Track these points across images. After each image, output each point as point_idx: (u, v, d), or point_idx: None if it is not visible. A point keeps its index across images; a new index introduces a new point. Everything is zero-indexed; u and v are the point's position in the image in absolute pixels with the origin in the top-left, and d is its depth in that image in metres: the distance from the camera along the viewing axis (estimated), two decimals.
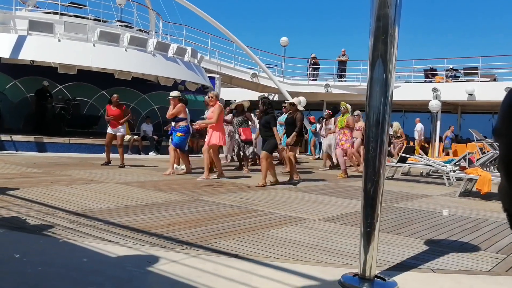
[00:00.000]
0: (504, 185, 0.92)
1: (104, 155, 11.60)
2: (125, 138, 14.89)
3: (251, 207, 6.47)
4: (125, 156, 11.80)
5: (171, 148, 10.39)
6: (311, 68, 25.19)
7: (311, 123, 19.41)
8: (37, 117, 16.04)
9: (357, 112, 13.69)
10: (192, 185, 8.44)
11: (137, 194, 7.12)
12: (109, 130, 11.17)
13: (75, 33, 15.07)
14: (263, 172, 8.97)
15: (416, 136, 20.57)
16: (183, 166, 10.52)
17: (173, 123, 10.43)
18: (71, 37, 14.99)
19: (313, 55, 25.68)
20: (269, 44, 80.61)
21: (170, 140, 10.76)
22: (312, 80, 25.05)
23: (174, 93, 10.49)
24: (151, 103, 19.27)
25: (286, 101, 10.87)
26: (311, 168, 13.68)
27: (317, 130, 17.94)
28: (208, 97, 10.15)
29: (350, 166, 13.17)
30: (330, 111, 14.23)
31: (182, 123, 10.20)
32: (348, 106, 12.14)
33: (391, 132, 17.23)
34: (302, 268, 3.71)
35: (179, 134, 10.17)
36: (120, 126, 11.08)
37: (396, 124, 17.64)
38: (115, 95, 11.34)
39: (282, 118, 12.62)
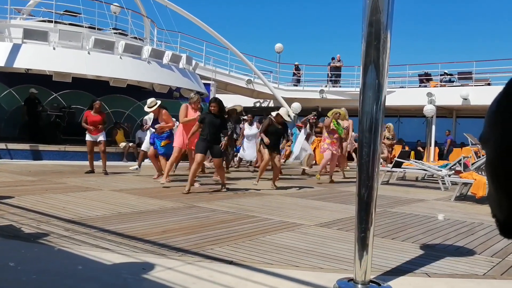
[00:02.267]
0: (491, 191, 0.93)
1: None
2: (120, 145, 14.94)
3: (246, 213, 6.47)
4: (121, 163, 11.78)
5: (151, 155, 10.16)
6: (332, 75, 25.08)
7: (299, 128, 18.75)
8: (30, 125, 16.00)
9: (342, 110, 13.02)
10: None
11: (132, 201, 7.11)
12: (89, 137, 10.78)
13: (70, 41, 15.08)
14: (191, 178, 8.47)
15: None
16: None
17: (152, 129, 10.05)
18: (65, 45, 14.99)
19: (296, 63, 26.11)
20: (264, 50, 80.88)
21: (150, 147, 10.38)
22: (333, 86, 24.94)
23: (152, 102, 9.93)
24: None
25: (272, 114, 9.89)
26: (292, 174, 13.69)
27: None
28: (195, 101, 9.48)
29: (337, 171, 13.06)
30: (314, 117, 13.77)
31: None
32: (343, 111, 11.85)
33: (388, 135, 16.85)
34: (297, 274, 3.71)
35: (164, 142, 9.82)
36: (100, 133, 10.85)
37: (391, 126, 17.18)
38: (98, 102, 11.06)
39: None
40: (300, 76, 26.06)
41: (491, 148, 0.88)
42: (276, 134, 9.65)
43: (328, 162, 11.39)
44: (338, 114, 11.38)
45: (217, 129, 8.57)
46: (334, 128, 11.12)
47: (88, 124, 10.75)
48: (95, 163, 10.95)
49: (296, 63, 26.30)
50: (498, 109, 0.89)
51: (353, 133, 13.63)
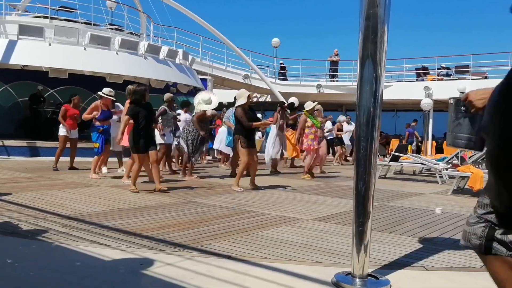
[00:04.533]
0: (491, 181, 0.93)
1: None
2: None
3: (244, 208, 6.47)
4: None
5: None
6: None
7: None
8: (29, 121, 16.00)
9: (318, 107, 11.73)
10: (184, 187, 8.41)
11: (130, 197, 7.10)
12: (65, 132, 10.49)
13: (66, 37, 15.04)
14: (157, 176, 7.82)
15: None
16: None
17: (97, 123, 9.49)
18: (61, 41, 14.95)
19: (281, 62, 26.41)
20: (261, 45, 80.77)
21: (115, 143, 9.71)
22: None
23: (108, 90, 9.75)
24: None
25: (239, 100, 8.71)
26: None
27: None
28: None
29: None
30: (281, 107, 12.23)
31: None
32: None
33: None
34: (295, 268, 3.72)
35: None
36: (75, 129, 10.73)
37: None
38: (77, 97, 10.91)
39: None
40: (285, 74, 26.29)
41: (492, 138, 0.87)
42: (252, 122, 8.54)
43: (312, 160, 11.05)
44: (317, 110, 11.12)
45: (152, 120, 8.08)
46: (313, 122, 10.90)
47: (68, 118, 10.55)
48: (75, 159, 10.88)
49: (281, 61, 26.56)
50: (499, 98, 0.88)
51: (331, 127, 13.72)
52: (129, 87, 8.60)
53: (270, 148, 11.53)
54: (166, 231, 4.86)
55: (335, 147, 16.42)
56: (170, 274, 3.45)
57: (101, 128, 9.37)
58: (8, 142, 13.46)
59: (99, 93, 9.72)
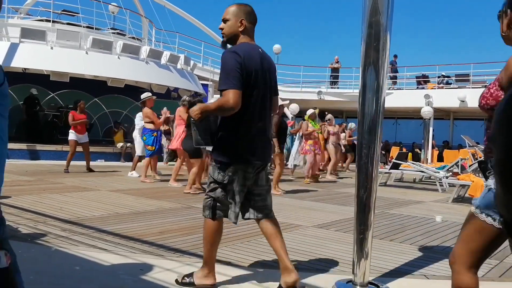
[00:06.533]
0: (498, 191, 0.92)
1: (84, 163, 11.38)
2: (118, 145, 14.92)
3: None
4: (119, 163, 11.70)
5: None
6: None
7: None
8: (28, 124, 15.98)
9: (329, 116, 13.29)
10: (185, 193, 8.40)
11: (130, 201, 7.09)
12: (74, 137, 10.94)
13: (68, 41, 15.06)
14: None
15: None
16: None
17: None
18: (63, 45, 14.97)
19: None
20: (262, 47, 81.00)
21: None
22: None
23: (146, 94, 10.23)
24: None
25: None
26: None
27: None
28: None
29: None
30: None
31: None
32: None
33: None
34: None
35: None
36: (85, 133, 11.14)
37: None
38: (82, 102, 11.48)
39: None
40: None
41: (499, 148, 0.87)
42: (286, 129, 9.63)
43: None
44: (329, 119, 11.77)
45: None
46: (313, 127, 11.17)
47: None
48: (75, 162, 11.11)
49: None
50: (506, 108, 0.88)
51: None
52: (187, 98, 9.25)
53: (295, 156, 12.59)
54: (166, 236, 4.85)
55: (347, 154, 16.30)
56: (170, 279, 3.44)
57: (156, 132, 9.84)
58: (8, 145, 13.41)
59: (141, 101, 10.08)
